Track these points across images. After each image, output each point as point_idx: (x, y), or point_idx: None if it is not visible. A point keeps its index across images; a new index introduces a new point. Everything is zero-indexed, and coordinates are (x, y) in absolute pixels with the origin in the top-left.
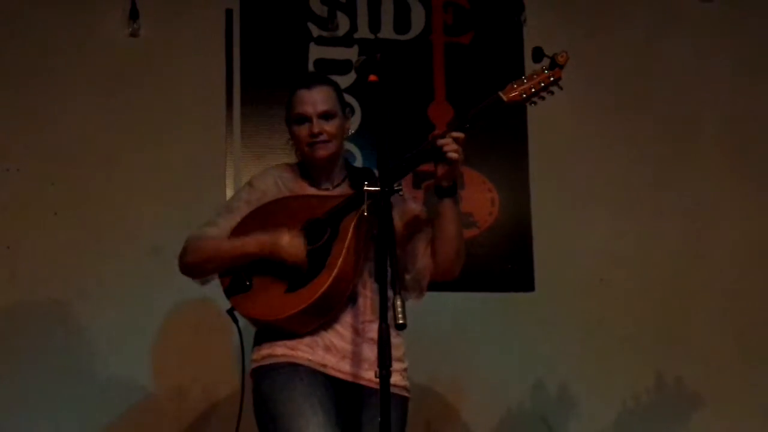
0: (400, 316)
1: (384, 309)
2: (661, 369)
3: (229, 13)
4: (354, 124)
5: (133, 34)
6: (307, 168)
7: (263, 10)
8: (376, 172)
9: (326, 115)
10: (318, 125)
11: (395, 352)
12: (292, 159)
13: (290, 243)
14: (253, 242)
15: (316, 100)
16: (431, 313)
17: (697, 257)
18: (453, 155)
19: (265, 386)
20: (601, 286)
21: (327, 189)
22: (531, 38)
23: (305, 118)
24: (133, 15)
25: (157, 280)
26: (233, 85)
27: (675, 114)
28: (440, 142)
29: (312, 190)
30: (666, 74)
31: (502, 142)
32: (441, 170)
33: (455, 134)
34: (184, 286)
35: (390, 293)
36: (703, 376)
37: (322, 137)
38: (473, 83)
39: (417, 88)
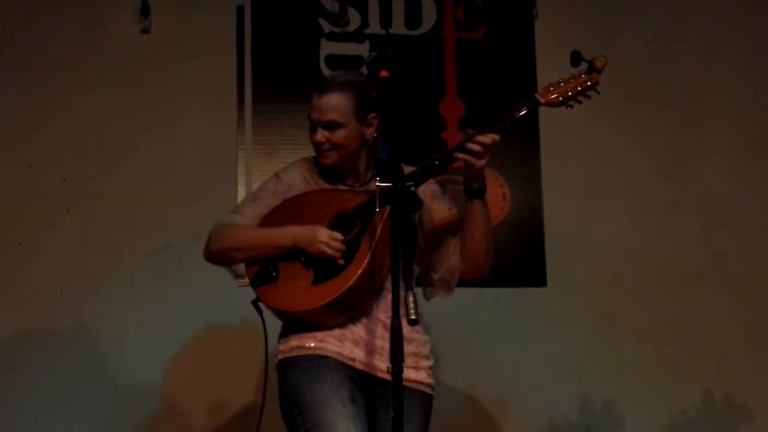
0: (412, 311)
1: (396, 305)
2: (673, 364)
3: (240, 9)
4: None
5: (145, 31)
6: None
7: (274, 6)
8: (402, 168)
9: (330, 125)
10: (321, 134)
11: (422, 349)
12: (304, 155)
13: (330, 237)
14: (289, 234)
15: (322, 108)
16: (443, 308)
17: (709, 252)
18: (473, 160)
19: (293, 378)
20: (613, 281)
21: (353, 186)
22: (542, 34)
23: (314, 126)
24: (145, 11)
25: (168, 277)
26: (244, 82)
27: (687, 109)
28: (469, 145)
29: (339, 185)
30: (678, 69)
31: (514, 138)
32: (469, 170)
33: (491, 136)
34: (196, 281)
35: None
36: (715, 371)
37: (325, 146)
38: (485, 79)
39: (428, 84)
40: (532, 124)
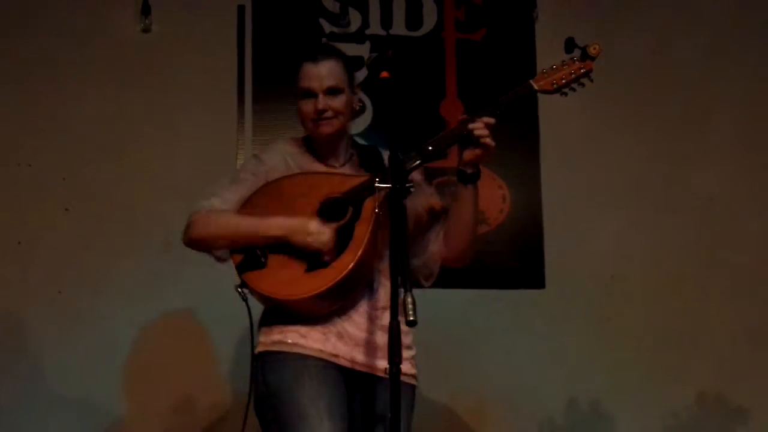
0: (410, 313)
1: (395, 306)
2: (672, 366)
3: (241, 9)
4: (365, 120)
5: (145, 30)
6: (314, 144)
7: (275, 6)
8: (382, 150)
9: (332, 91)
10: (323, 101)
11: (404, 339)
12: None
13: (319, 230)
14: (276, 225)
15: (322, 74)
16: (441, 309)
17: (708, 254)
18: (488, 140)
19: (272, 379)
20: (611, 283)
21: (333, 166)
22: (543, 35)
23: (311, 94)
24: (145, 11)
25: (168, 276)
26: (245, 82)
27: (686, 110)
28: (473, 126)
29: (319, 166)
30: (678, 70)
31: (514, 139)
32: (469, 155)
33: (487, 120)
34: (196, 281)
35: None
36: (714, 373)
37: (327, 114)
38: (485, 80)
39: (429, 85)
40: (531, 125)
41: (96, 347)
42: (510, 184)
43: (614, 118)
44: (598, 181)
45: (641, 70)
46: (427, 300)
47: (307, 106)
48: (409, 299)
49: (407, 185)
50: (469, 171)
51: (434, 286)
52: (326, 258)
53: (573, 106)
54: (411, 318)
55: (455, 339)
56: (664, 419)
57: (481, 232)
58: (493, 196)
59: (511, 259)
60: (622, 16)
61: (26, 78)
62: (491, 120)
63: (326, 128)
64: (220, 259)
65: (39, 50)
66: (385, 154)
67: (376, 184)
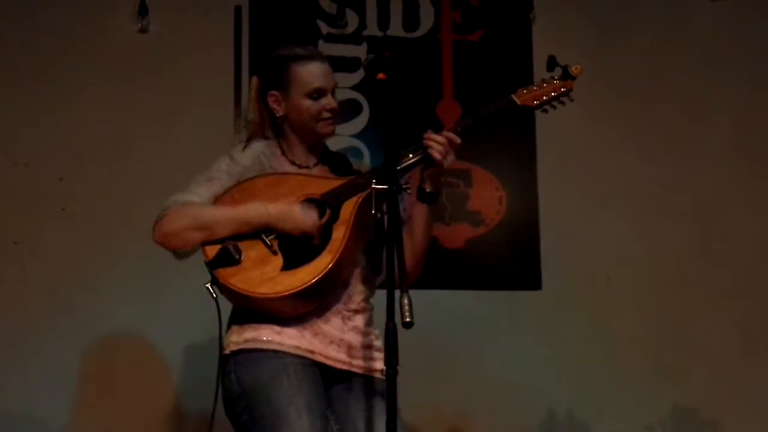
0: (407, 314)
1: (391, 308)
2: (667, 369)
3: (238, 9)
4: (362, 122)
5: (142, 31)
6: (290, 145)
7: (272, 7)
8: (349, 160)
9: (333, 91)
10: (335, 101)
11: (376, 342)
12: None
13: (304, 213)
14: (259, 210)
15: (329, 74)
16: (438, 310)
17: (703, 257)
18: (434, 153)
19: (248, 376)
20: (608, 285)
21: (308, 167)
22: (540, 37)
23: (323, 93)
24: (143, 11)
25: (165, 276)
26: (242, 82)
27: (684, 115)
28: (428, 141)
29: (292, 169)
30: (675, 75)
31: (511, 141)
32: (427, 171)
33: (448, 134)
34: (193, 281)
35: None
36: (709, 376)
37: (335, 113)
38: (482, 81)
39: (425, 86)
40: (528, 128)
41: (93, 347)
42: (507, 186)
43: (611, 121)
44: (594, 184)
45: (638, 74)
46: (423, 301)
47: (316, 105)
48: (406, 300)
49: (404, 186)
50: (427, 189)
51: (432, 286)
52: (316, 241)
53: (570, 110)
54: (408, 319)
55: (451, 340)
56: (660, 420)
57: (478, 233)
58: (490, 198)
59: (508, 261)
60: (619, 19)
61: (23, 78)
62: (453, 136)
63: (332, 127)
64: (180, 256)
65: (36, 50)
66: (354, 162)
67: (373, 186)
